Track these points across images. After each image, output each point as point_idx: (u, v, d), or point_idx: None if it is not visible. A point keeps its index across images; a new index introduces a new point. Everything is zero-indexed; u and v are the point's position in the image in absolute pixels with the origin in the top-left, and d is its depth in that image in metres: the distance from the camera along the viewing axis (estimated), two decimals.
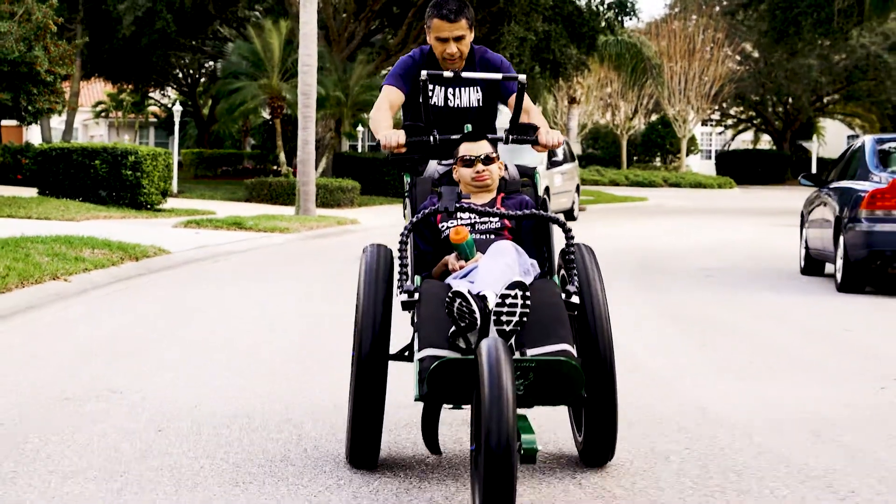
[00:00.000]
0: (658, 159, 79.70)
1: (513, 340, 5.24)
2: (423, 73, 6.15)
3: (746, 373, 8.74)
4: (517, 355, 5.22)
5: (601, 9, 40.98)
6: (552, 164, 31.37)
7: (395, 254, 5.70)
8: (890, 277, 14.72)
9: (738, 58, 72.12)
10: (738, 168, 76.23)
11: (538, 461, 5.92)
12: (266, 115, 47.74)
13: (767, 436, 6.64)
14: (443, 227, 6.04)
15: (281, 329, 10.79)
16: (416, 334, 5.47)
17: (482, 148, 6.11)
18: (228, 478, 5.65)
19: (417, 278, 5.82)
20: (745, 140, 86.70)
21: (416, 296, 5.45)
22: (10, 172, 34.63)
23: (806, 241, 16.45)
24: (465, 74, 6.37)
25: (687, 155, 77.58)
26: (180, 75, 60.29)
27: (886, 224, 13.72)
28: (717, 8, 60.01)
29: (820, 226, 15.47)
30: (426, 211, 5.71)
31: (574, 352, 5.35)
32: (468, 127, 6.37)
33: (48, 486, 5.42)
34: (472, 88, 6.55)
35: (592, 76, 63.68)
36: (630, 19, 42.82)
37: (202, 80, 61.46)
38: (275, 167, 45.98)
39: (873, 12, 35.28)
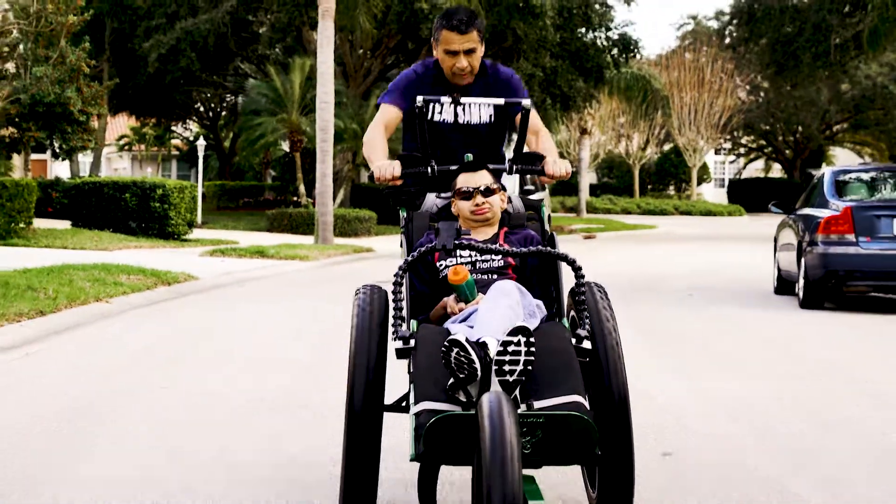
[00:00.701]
0: (672, 188, 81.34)
1: (517, 392, 4.78)
2: (419, 98, 5.86)
3: (691, 371, 10.30)
4: (523, 409, 4.75)
5: (606, 45, 42.62)
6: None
7: (390, 296, 5.29)
8: (846, 295, 16.30)
9: (748, 88, 73.71)
10: (749, 196, 77.73)
11: None
12: (286, 148, 49.41)
13: (694, 419, 8.20)
14: (440, 265, 5.68)
15: (299, 338, 12.38)
16: (411, 385, 5.02)
17: (482, 179, 5.76)
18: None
19: (414, 323, 5.46)
20: (757, 168, 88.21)
21: (413, 342, 5.05)
22: (41, 205, 36.31)
23: (778, 264, 18.01)
24: (464, 99, 6.10)
25: (700, 183, 79.22)
26: (202, 109, 61.97)
27: (840, 246, 15.33)
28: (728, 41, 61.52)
29: (787, 249, 17.06)
30: (423, 249, 5.23)
31: (586, 404, 4.88)
32: (469, 156, 6.01)
33: (116, 453, 7.03)
34: (483, 104, 6.24)
35: (604, 107, 65.34)
36: (633, 56, 44.45)
37: (223, 113, 63.15)
38: (295, 198, 47.57)
39: (869, 47, 36.76)
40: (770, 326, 14.03)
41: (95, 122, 32.20)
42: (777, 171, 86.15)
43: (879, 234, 15.35)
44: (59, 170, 67.14)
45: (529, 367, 4.68)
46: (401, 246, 6.06)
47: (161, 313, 15.04)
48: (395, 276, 5.11)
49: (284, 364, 10.47)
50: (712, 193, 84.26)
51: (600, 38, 42.69)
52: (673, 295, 17.85)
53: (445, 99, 6.07)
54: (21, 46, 26.14)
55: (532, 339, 4.67)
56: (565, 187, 75.34)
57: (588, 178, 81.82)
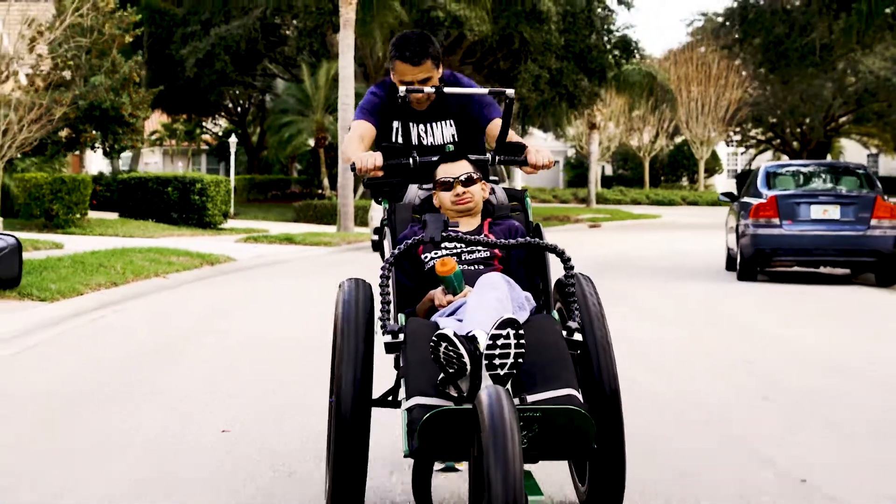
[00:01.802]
0: (685, 179, 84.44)
1: (509, 386, 4.67)
2: (402, 88, 5.86)
3: (619, 321, 13.49)
4: (515, 402, 4.63)
5: (608, 47, 45.88)
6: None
7: (376, 290, 5.22)
8: (775, 269, 19.65)
9: (756, 82, 76.57)
10: None
11: None
12: (311, 143, 52.68)
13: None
14: (426, 258, 5.61)
15: (325, 301, 15.63)
16: (402, 380, 4.99)
17: (461, 168, 5.70)
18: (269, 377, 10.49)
19: (402, 316, 5.36)
20: (767, 160, 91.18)
21: (402, 337, 4.97)
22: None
23: (727, 244, 21.25)
24: (447, 90, 5.94)
25: (711, 175, 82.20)
26: (231, 105, 65.12)
27: (766, 229, 18.58)
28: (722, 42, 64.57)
29: (732, 231, 20.29)
30: (409, 241, 5.16)
31: (580, 397, 4.84)
32: (450, 147, 6.03)
33: (188, 376, 10.32)
34: (444, 123, 6.19)
35: (616, 102, 68.47)
36: (633, 56, 47.69)
37: (251, 109, 66.32)
38: (319, 191, 50.77)
39: (845, 45, 39.76)
40: (704, 293, 17.25)
41: (143, 124, 35.69)
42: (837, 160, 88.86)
43: (799, 218, 18.61)
44: (93, 166, 70.43)
45: (520, 360, 4.63)
46: (381, 238, 6.03)
47: (209, 286, 18.31)
48: (382, 269, 5.04)
49: (315, 317, 13.57)
50: (724, 184, 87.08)
51: (602, 40, 45.88)
52: (634, 271, 21.06)
53: (429, 89, 5.91)
54: (80, 58, 29.56)
55: (521, 332, 4.63)
56: (578, 179, 78.54)
57: (598, 169, 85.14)
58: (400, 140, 6.14)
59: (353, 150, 5.95)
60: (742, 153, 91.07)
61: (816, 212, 18.57)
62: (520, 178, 71.39)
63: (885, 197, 18.77)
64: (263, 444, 7.03)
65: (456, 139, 6.19)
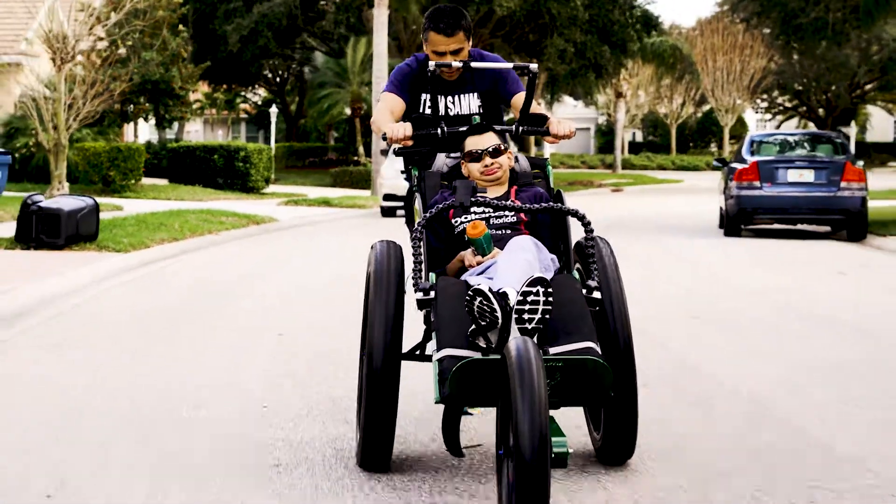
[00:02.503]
0: (713, 145, 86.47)
1: (535, 339, 4.99)
2: (432, 63, 6.02)
3: None
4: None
5: (630, 21, 48.14)
6: None
7: (408, 251, 5.68)
8: (757, 225, 22.13)
9: (780, 51, 78.25)
10: None
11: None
12: (348, 112, 55.09)
13: None
14: (456, 222, 5.91)
15: (360, 253, 18.06)
16: (433, 334, 5.32)
17: (489, 140, 5.95)
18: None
19: (432, 276, 5.69)
20: (794, 126, 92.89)
21: (433, 294, 5.33)
22: None
23: (720, 205, 23.60)
24: (474, 64, 6.20)
25: (738, 141, 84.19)
26: (270, 76, 67.45)
27: (747, 190, 20.96)
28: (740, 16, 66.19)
29: (722, 193, 22.64)
30: (441, 206, 5.57)
31: (598, 349, 5.17)
32: (476, 118, 6.33)
33: (251, 306, 12.78)
34: (471, 96, 6.44)
35: (644, 72, 70.56)
36: (654, 31, 49.96)
37: (289, 79, 68.58)
38: (355, 158, 53.19)
39: (863, 23, 41.53)
40: (690, 246, 19.64)
41: (191, 96, 38.29)
42: (812, 129, 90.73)
43: (777, 181, 20.99)
44: (141, 136, 72.87)
45: (547, 316, 4.97)
46: (412, 203, 6.45)
47: (256, 242, 20.77)
48: (414, 231, 5.46)
49: (352, 261, 15.76)
50: None
51: (625, 15, 48.13)
52: (635, 228, 23.44)
53: (457, 63, 6.16)
54: (134, 36, 32.12)
55: (550, 290, 4.96)
56: (607, 145, 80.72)
57: (629, 136, 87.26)
58: (428, 111, 6.35)
59: (383, 120, 6.21)
60: (769, 120, 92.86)
61: (793, 175, 20.95)
62: (548, 146, 73.54)
63: (855, 161, 21.11)
64: (311, 346, 9.45)
65: (481, 111, 6.47)
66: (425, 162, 6.41)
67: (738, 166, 21.37)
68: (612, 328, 5.53)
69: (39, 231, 16.23)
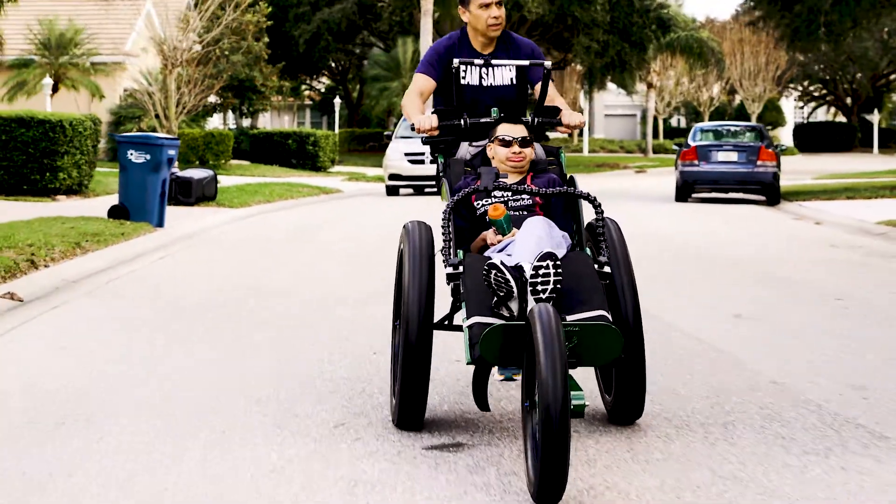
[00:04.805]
0: None
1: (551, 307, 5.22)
2: (455, 61, 6.52)
3: None
4: None
5: (647, 22, 54.95)
6: None
7: (437, 230, 6.26)
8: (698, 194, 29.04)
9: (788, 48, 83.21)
10: (814, 138, 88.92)
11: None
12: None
13: None
14: (478, 204, 6.37)
15: (396, 216, 24.93)
16: (462, 304, 5.78)
17: (521, 131, 6.46)
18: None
19: (460, 252, 6.05)
20: (827, 113, 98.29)
21: (461, 269, 5.80)
22: None
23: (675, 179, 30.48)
24: (494, 62, 6.67)
25: (774, 128, 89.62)
26: (333, 66, 73.43)
27: (690, 167, 27.90)
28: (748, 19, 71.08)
29: (675, 168, 29.56)
30: (467, 189, 6.08)
31: (609, 316, 5.65)
32: (495, 111, 6.72)
33: (316, 248, 19.88)
34: (505, 68, 6.79)
35: (678, 64, 76.54)
36: (670, 32, 56.77)
37: (350, 69, 74.32)
38: None
39: (844, 22, 47.30)
40: (646, 210, 26.35)
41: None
42: (841, 116, 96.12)
43: (711, 161, 27.92)
44: (225, 122, 79.55)
45: (558, 286, 5.49)
46: (439, 186, 6.87)
47: (326, 205, 27.70)
48: (443, 212, 6.01)
49: (394, 217, 22.22)
50: (788, 137, 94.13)
51: (642, 18, 54.93)
52: (617, 198, 30.05)
53: (478, 61, 6.64)
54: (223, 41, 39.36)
55: (559, 263, 5.50)
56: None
57: (670, 122, 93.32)
58: (464, 81, 6.78)
59: (412, 110, 6.67)
60: (800, 108, 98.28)
61: (722, 156, 27.88)
62: (585, 131, 79.58)
63: (769, 145, 27.95)
64: (367, 251, 16.43)
65: (514, 82, 6.86)
66: (450, 150, 6.87)
67: (684, 149, 28.27)
68: (621, 298, 6.03)
69: (177, 192, 23.34)
